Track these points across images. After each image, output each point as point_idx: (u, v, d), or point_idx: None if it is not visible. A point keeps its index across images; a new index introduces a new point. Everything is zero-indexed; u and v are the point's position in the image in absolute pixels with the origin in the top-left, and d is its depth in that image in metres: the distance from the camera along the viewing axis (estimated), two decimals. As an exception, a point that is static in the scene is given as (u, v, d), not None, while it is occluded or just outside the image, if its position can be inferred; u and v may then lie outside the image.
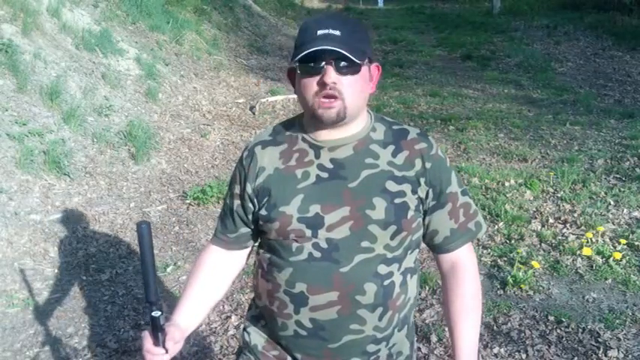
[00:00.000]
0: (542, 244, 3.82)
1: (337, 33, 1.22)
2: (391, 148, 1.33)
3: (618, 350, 2.75)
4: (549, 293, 3.29)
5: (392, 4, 21.89)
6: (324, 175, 1.29)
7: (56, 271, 3.57)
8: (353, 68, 1.24)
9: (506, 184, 4.81)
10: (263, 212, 1.32)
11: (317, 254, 1.27)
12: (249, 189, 1.36)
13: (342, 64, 1.22)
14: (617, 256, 3.53)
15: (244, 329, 1.49)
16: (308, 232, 1.27)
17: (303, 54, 1.21)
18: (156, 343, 1.26)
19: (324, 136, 1.32)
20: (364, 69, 1.26)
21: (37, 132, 4.63)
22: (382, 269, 1.28)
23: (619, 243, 3.71)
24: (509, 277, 3.36)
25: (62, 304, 3.26)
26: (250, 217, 1.39)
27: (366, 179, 1.28)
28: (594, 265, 3.53)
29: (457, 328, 1.38)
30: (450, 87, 8.60)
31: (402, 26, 15.00)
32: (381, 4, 22.19)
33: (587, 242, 3.74)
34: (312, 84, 1.24)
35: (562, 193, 4.59)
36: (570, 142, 5.96)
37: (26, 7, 5.85)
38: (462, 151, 5.79)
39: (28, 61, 5.27)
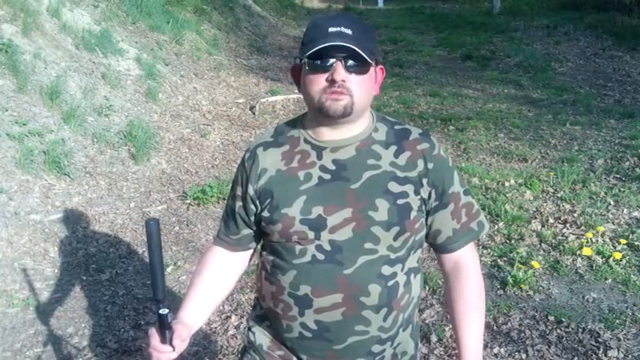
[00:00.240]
0: (542, 244, 3.82)
1: (349, 32, 1.22)
2: (393, 148, 1.32)
3: (618, 350, 2.75)
4: (549, 293, 3.29)
5: (392, 4, 21.89)
6: (327, 176, 1.29)
7: (56, 271, 3.57)
8: (362, 67, 1.23)
9: (506, 184, 4.81)
10: (265, 214, 1.32)
11: (320, 256, 1.26)
12: (251, 191, 1.35)
13: (352, 62, 1.22)
14: (617, 256, 3.53)
15: (249, 329, 1.49)
16: (311, 234, 1.27)
17: (316, 48, 1.20)
18: (163, 340, 1.26)
19: (327, 136, 1.31)
20: (372, 69, 1.26)
21: (37, 132, 4.63)
22: (386, 270, 1.28)
23: (619, 243, 3.71)
24: (509, 277, 3.36)
25: (62, 304, 3.26)
26: (252, 218, 1.39)
27: (368, 180, 1.28)
28: (594, 265, 3.53)
29: (462, 327, 1.38)
30: (450, 87, 8.60)
31: (402, 26, 15.00)
32: (381, 4, 22.20)
33: (587, 242, 3.74)
34: (320, 80, 1.23)
35: (562, 193, 4.59)
36: (570, 142, 5.96)
37: (26, 7, 5.85)
38: (462, 151, 5.79)
39: (28, 61, 5.27)
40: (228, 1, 12.06)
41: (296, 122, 1.40)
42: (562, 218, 4.15)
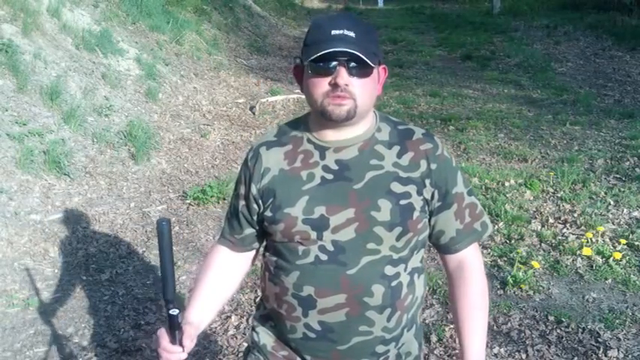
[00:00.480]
0: (542, 244, 3.82)
1: (352, 34, 1.21)
2: (396, 148, 1.32)
3: (618, 350, 2.75)
4: (549, 293, 3.29)
5: (392, 4, 21.89)
6: (329, 176, 1.29)
7: (56, 271, 3.57)
8: (365, 70, 1.23)
9: (506, 184, 4.81)
10: (268, 213, 1.32)
11: (323, 257, 1.26)
12: (254, 190, 1.35)
13: (355, 66, 1.21)
14: (617, 256, 3.53)
15: (253, 329, 1.49)
16: (313, 234, 1.26)
17: (320, 54, 1.20)
18: (173, 341, 1.25)
19: (330, 136, 1.31)
20: (375, 71, 1.26)
21: (37, 132, 4.63)
22: (389, 270, 1.28)
23: (619, 243, 3.72)
24: (509, 277, 3.36)
25: (62, 304, 3.26)
26: (255, 218, 1.39)
27: (371, 181, 1.28)
28: (594, 265, 3.53)
29: (465, 327, 1.38)
30: (450, 87, 8.60)
31: (402, 26, 15.00)
32: (381, 4, 22.20)
33: (587, 242, 3.74)
34: (322, 84, 1.23)
35: (562, 193, 4.59)
36: (570, 142, 5.96)
37: (26, 7, 5.85)
38: (462, 151, 5.79)
39: (28, 61, 5.27)
40: (228, 1, 12.06)
41: (299, 122, 1.39)
42: (562, 218, 4.15)
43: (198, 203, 4.56)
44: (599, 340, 2.85)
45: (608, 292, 3.29)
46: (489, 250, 3.76)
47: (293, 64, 1.35)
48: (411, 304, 1.34)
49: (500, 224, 4.09)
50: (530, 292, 3.28)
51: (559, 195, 4.57)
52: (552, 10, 14.73)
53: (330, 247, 1.26)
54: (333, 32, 1.21)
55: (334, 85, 1.21)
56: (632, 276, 3.38)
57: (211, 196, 4.59)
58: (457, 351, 2.77)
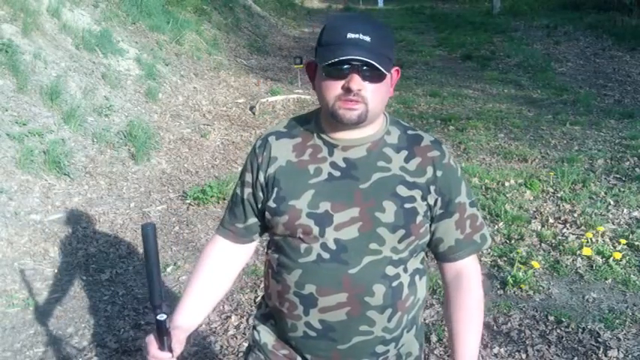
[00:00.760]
0: (542, 244, 3.82)
1: (367, 39, 1.20)
2: (404, 153, 1.32)
3: (618, 350, 2.75)
4: (549, 293, 3.29)
5: (392, 4, 21.91)
6: (337, 173, 1.29)
7: (56, 271, 3.57)
8: (378, 76, 1.22)
9: (506, 184, 4.81)
10: (271, 204, 1.31)
11: (326, 255, 1.27)
12: (261, 177, 1.35)
13: (368, 71, 1.21)
14: (617, 256, 3.53)
15: (254, 327, 1.49)
16: (315, 230, 1.26)
17: (335, 60, 1.19)
18: (161, 347, 1.25)
19: (339, 135, 1.31)
20: (388, 75, 1.26)
21: (37, 132, 4.63)
22: (390, 271, 1.28)
23: (619, 243, 3.71)
24: (509, 277, 3.36)
25: (62, 304, 3.26)
26: (260, 206, 1.38)
27: (377, 182, 1.28)
28: (594, 265, 3.53)
29: (459, 336, 1.38)
30: (450, 87, 8.61)
31: (402, 26, 15.01)
32: (381, 4, 22.22)
33: (587, 242, 3.74)
34: (335, 87, 1.23)
35: (562, 193, 4.60)
36: (570, 142, 5.96)
37: (26, 7, 5.85)
38: (462, 151, 5.79)
39: (28, 61, 5.27)
40: (228, 1, 12.06)
41: (310, 117, 1.40)
42: (562, 218, 4.15)
43: (198, 203, 4.56)
44: (599, 340, 2.85)
45: (608, 292, 3.29)
46: (489, 250, 3.76)
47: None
48: (412, 305, 1.35)
49: (500, 224, 4.09)
50: (530, 292, 3.28)
51: (559, 195, 4.57)
52: (552, 10, 14.74)
53: (333, 246, 1.26)
54: (349, 36, 1.20)
55: (347, 90, 1.21)
56: (632, 276, 3.38)
57: (211, 196, 4.59)
58: None
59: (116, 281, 3.50)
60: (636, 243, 3.72)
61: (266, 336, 1.45)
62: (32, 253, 3.68)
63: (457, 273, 1.39)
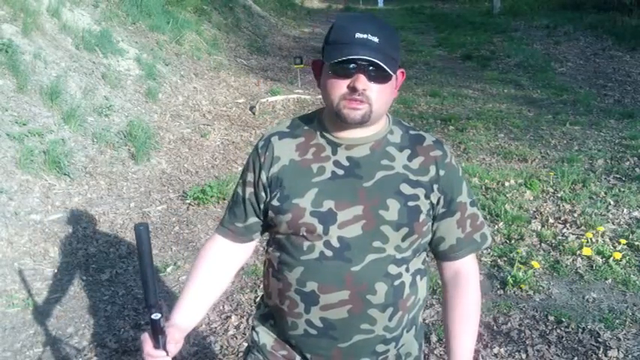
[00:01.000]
0: (542, 244, 3.82)
1: (375, 39, 1.20)
2: (407, 152, 1.33)
3: (618, 350, 2.75)
4: (549, 293, 3.29)
5: (392, 4, 21.92)
6: (340, 172, 1.30)
7: (56, 271, 3.57)
8: (384, 77, 1.23)
9: (506, 184, 4.81)
10: (275, 203, 1.32)
11: (329, 253, 1.27)
12: (263, 177, 1.35)
13: (374, 71, 1.21)
14: (617, 256, 3.53)
15: (253, 328, 1.49)
16: (319, 228, 1.27)
17: (342, 59, 1.19)
18: (156, 346, 1.26)
19: (343, 134, 1.32)
20: (393, 77, 1.26)
21: (37, 132, 4.63)
22: (392, 269, 1.29)
23: (619, 243, 3.72)
24: (509, 277, 3.36)
25: (62, 304, 3.26)
26: (262, 206, 1.38)
27: (381, 180, 1.29)
28: (594, 265, 3.53)
29: (456, 336, 1.39)
30: (450, 87, 8.61)
31: (402, 26, 15.00)
32: (381, 4, 22.23)
33: (587, 242, 3.74)
34: (341, 86, 1.23)
35: (562, 193, 4.60)
36: (570, 142, 5.96)
37: (26, 7, 5.85)
38: (462, 151, 5.79)
39: (28, 61, 5.27)
40: (228, 1, 12.06)
41: (313, 117, 1.40)
42: (562, 218, 4.15)
43: (198, 203, 4.56)
44: (599, 340, 2.85)
45: (608, 292, 3.29)
46: (489, 250, 3.76)
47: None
48: (413, 305, 1.35)
49: (500, 224, 4.09)
50: (530, 292, 3.28)
51: (559, 195, 4.57)
52: (552, 10, 14.74)
53: (336, 244, 1.27)
54: (357, 35, 1.21)
55: (352, 89, 1.22)
56: (632, 276, 3.38)
57: (211, 196, 4.59)
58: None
59: (116, 281, 3.50)
60: (636, 243, 3.72)
61: (265, 337, 1.45)
62: (32, 253, 3.68)
63: (456, 272, 1.40)
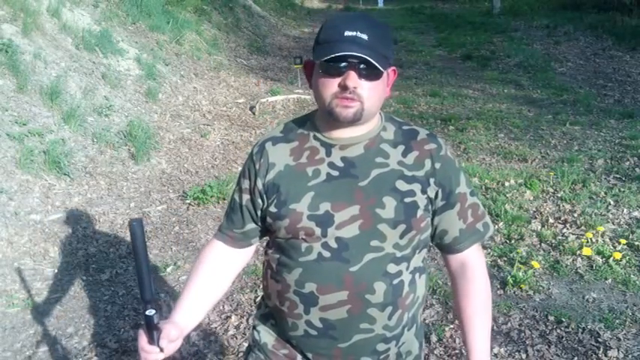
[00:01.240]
0: (542, 244, 3.82)
1: (364, 37, 1.20)
2: (401, 148, 1.33)
3: (618, 350, 2.75)
4: (549, 293, 3.29)
5: (392, 4, 21.92)
6: (335, 173, 1.30)
7: (56, 271, 3.57)
8: (375, 74, 1.23)
9: (506, 184, 4.81)
10: (272, 209, 1.32)
11: (327, 254, 1.27)
12: (259, 184, 1.35)
13: (365, 69, 1.21)
14: (617, 256, 3.53)
15: (254, 328, 1.49)
16: (317, 231, 1.27)
17: (331, 56, 1.20)
18: (151, 341, 1.27)
19: (336, 134, 1.32)
20: (384, 74, 1.26)
21: (37, 132, 4.63)
22: (391, 268, 1.29)
23: (619, 243, 3.71)
24: (509, 277, 3.36)
25: (62, 304, 3.26)
26: (259, 213, 1.38)
27: (376, 178, 1.29)
28: (594, 265, 3.53)
29: (470, 326, 1.39)
30: (450, 87, 8.61)
31: (402, 26, 15.00)
32: (381, 4, 22.23)
33: (587, 242, 3.74)
34: (332, 84, 1.23)
35: (562, 193, 4.59)
36: (570, 142, 5.96)
37: (26, 7, 5.85)
38: (462, 151, 5.79)
39: (28, 61, 5.27)
40: (228, 1, 12.06)
41: (305, 119, 1.40)
42: (562, 218, 4.15)
43: (198, 203, 4.56)
44: (599, 340, 2.85)
45: (608, 292, 3.29)
46: (489, 250, 3.76)
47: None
48: (412, 302, 1.35)
49: (500, 224, 4.09)
50: (530, 292, 3.28)
51: (559, 195, 4.57)
52: (552, 10, 14.74)
53: (334, 244, 1.27)
54: (347, 33, 1.21)
55: (343, 87, 1.22)
56: (632, 276, 3.38)
57: (211, 196, 4.59)
58: (457, 351, 2.77)
59: (116, 281, 3.50)
60: (636, 243, 3.71)
61: (266, 336, 1.45)
62: (32, 253, 3.68)
63: (462, 263, 1.40)
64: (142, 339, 1.28)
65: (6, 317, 3.11)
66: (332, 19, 1.28)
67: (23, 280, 3.41)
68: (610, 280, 3.38)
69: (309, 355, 1.37)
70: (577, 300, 3.22)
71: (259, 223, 1.41)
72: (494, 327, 2.98)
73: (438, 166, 1.32)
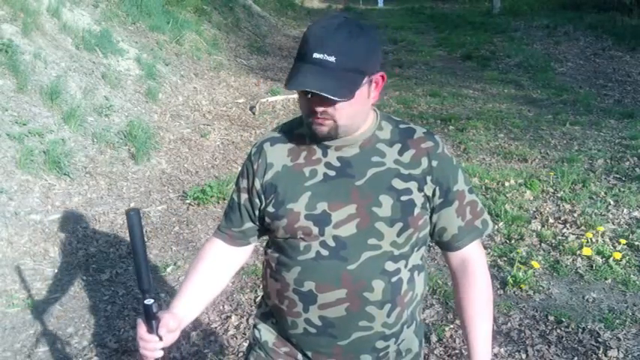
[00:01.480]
0: (542, 244, 3.82)
1: (332, 59, 1.16)
2: (398, 146, 1.34)
3: (618, 350, 2.75)
4: (549, 293, 3.29)
5: (392, 4, 21.90)
6: (332, 173, 1.31)
7: (56, 271, 3.57)
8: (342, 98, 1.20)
9: (506, 184, 4.81)
10: (270, 209, 1.33)
11: (325, 252, 1.28)
12: (257, 184, 1.37)
13: (327, 97, 1.17)
14: (617, 256, 3.53)
15: (254, 326, 1.50)
16: (315, 230, 1.28)
17: (290, 87, 1.18)
18: (149, 330, 1.28)
19: None
20: (361, 89, 1.22)
21: (37, 132, 4.63)
22: (389, 266, 1.29)
23: (619, 243, 3.72)
24: (509, 277, 3.36)
25: (62, 304, 3.26)
26: (257, 212, 1.40)
27: (373, 177, 1.30)
28: (594, 265, 3.53)
29: (472, 323, 1.39)
30: (450, 87, 8.60)
31: (402, 26, 15.00)
32: (381, 4, 22.21)
33: (587, 242, 3.74)
34: (306, 104, 1.25)
35: (562, 193, 4.60)
36: (570, 142, 5.96)
37: (26, 7, 5.85)
38: (462, 151, 5.79)
39: (28, 61, 5.27)
40: (228, 1, 12.06)
41: (302, 120, 1.40)
42: (562, 218, 4.15)
43: (198, 203, 4.56)
44: (599, 340, 2.85)
45: (608, 292, 3.29)
46: (489, 250, 3.76)
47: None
48: (411, 300, 1.36)
49: (500, 224, 4.09)
50: (530, 292, 3.28)
51: (559, 195, 4.57)
52: (552, 10, 14.73)
53: (332, 243, 1.28)
54: (315, 55, 1.17)
55: (312, 110, 1.23)
56: (632, 276, 3.39)
57: (211, 196, 4.59)
58: (457, 351, 2.77)
59: (116, 281, 3.50)
60: (636, 243, 3.72)
61: (267, 334, 1.46)
62: (32, 253, 3.68)
63: (462, 261, 1.40)
64: (141, 328, 1.29)
65: (6, 317, 3.11)
66: (313, 27, 1.23)
67: (23, 280, 3.41)
68: (610, 280, 3.38)
69: (309, 354, 1.37)
70: (577, 300, 3.22)
71: (257, 223, 1.42)
72: (495, 327, 2.98)
73: (435, 164, 1.32)
